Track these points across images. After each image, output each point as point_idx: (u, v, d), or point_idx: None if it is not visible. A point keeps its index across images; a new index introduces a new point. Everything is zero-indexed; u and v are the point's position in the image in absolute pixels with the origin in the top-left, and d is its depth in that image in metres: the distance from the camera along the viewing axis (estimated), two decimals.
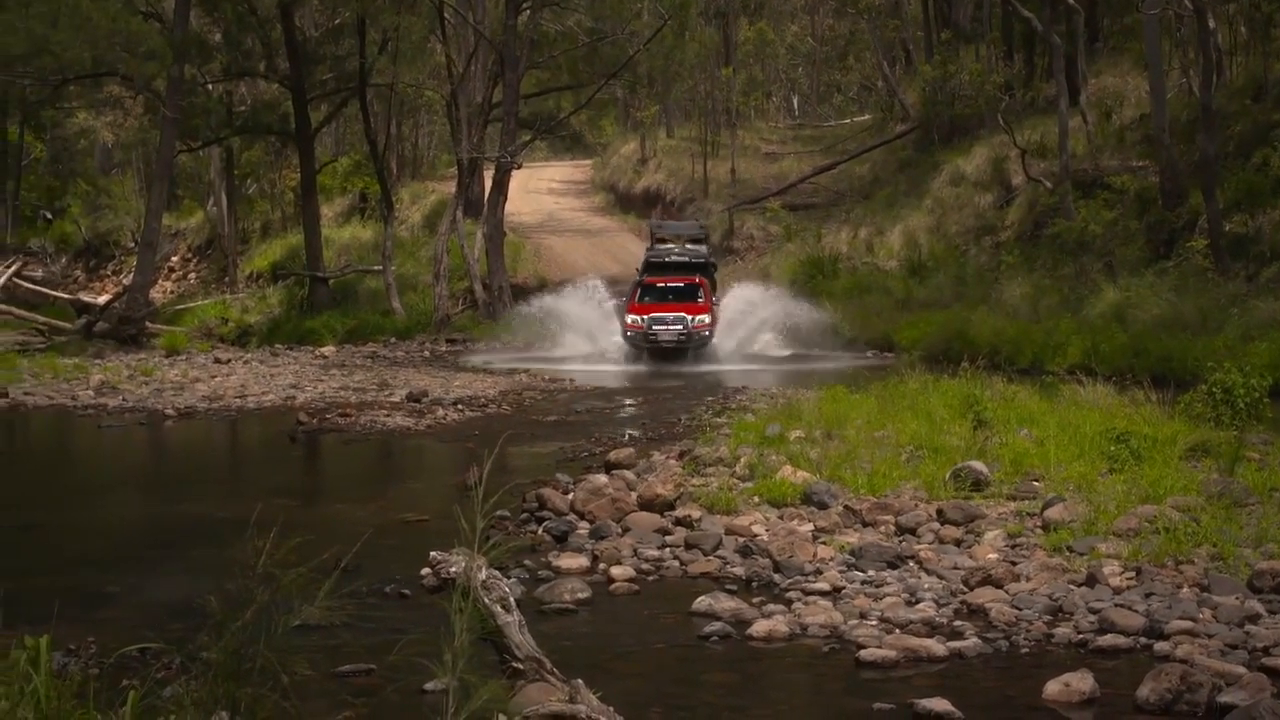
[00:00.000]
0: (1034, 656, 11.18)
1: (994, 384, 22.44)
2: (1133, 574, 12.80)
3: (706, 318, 38.85)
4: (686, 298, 39.28)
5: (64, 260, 63.66)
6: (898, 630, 11.73)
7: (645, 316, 38.61)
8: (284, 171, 58.20)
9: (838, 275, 45.83)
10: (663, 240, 43.40)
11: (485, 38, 49.40)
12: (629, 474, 17.89)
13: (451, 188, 50.69)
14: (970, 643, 11.32)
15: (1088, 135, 43.50)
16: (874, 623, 11.99)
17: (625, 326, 39.34)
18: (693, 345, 38.48)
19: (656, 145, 62.48)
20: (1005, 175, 46.39)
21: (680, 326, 38.32)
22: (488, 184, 49.15)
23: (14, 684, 6.15)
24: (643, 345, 38.59)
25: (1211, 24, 37.33)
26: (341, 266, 50.84)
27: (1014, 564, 13.42)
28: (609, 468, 18.68)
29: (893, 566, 13.78)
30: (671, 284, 39.79)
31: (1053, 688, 10.04)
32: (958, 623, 11.95)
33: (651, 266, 41.42)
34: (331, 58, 49.65)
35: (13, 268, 47.80)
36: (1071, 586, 12.59)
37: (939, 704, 9.69)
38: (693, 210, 54.71)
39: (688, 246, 42.59)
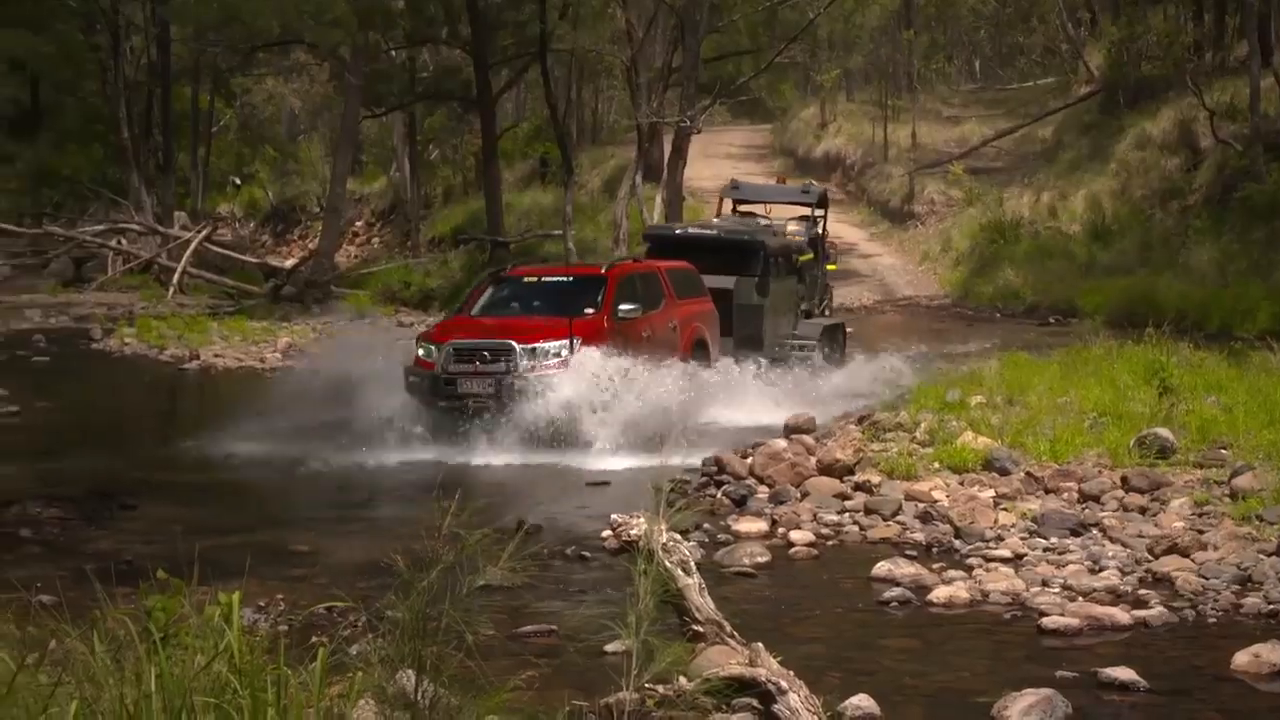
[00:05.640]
0: (1222, 627, 11.03)
1: (1180, 350, 22.06)
2: None
3: (563, 348, 19.85)
4: (561, 308, 20.81)
5: (252, 225, 64.85)
6: (1081, 598, 11.63)
7: (444, 347, 20.18)
8: (465, 137, 58.67)
9: (1019, 240, 45.26)
10: (745, 211, 30.17)
11: (665, 2, 49.37)
12: (808, 439, 17.84)
13: (631, 152, 50.74)
14: (1155, 612, 11.18)
15: None
16: (1056, 590, 11.89)
17: (414, 365, 20.64)
18: (510, 399, 19.48)
19: (836, 109, 62.12)
20: (1193, 138, 45.43)
21: (502, 366, 19.78)
22: (667, 149, 49.15)
23: (209, 639, 6.30)
24: (433, 403, 20.12)
25: None
26: (522, 231, 51.13)
27: (1201, 532, 13.23)
28: (788, 432, 18.64)
29: (1075, 534, 13.65)
30: (550, 279, 22.63)
31: (1241, 659, 9.90)
32: (1142, 591, 11.82)
33: (654, 251, 25.77)
34: (513, 23, 49.88)
35: (203, 233, 48.70)
36: (1261, 556, 12.37)
37: (1123, 673, 9.59)
38: (872, 173, 54.32)
39: (764, 220, 28.65)
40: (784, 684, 7.96)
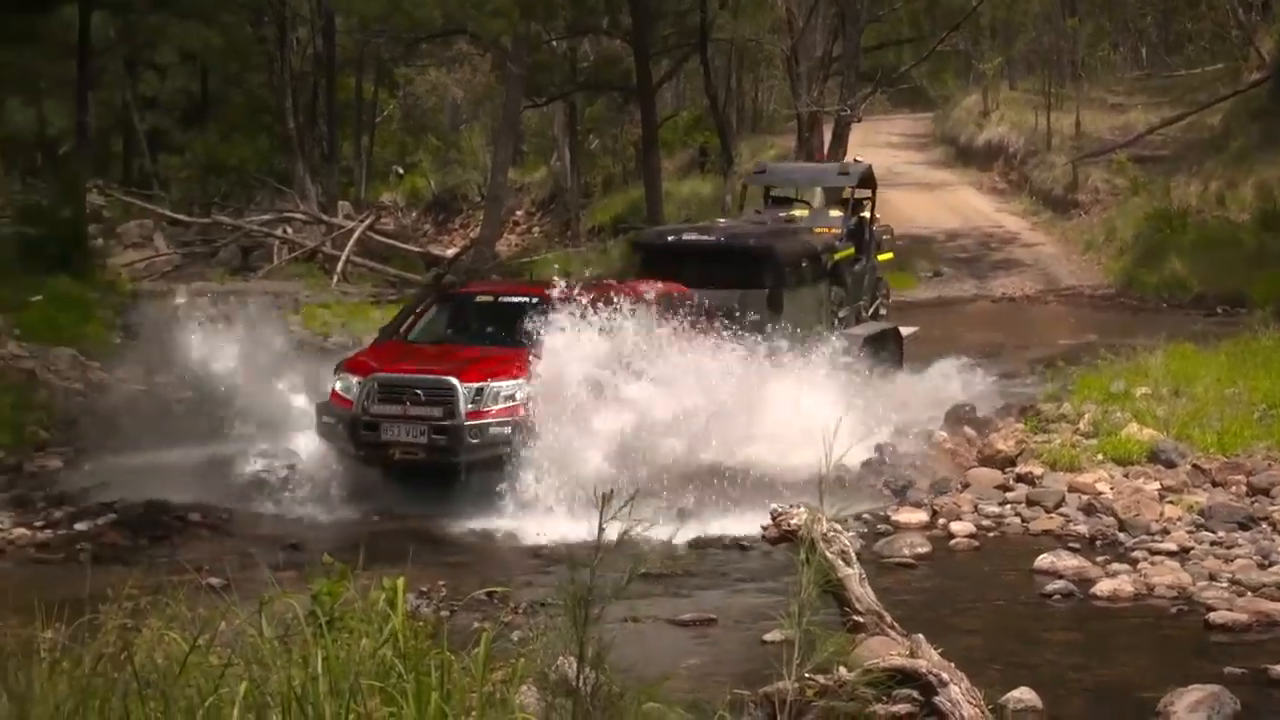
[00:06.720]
0: None
1: None
2: None
3: (518, 388, 15.67)
4: (520, 337, 15.95)
5: (414, 214, 65.41)
6: (1250, 593, 11.46)
7: (367, 381, 15.94)
8: (625, 126, 58.84)
9: (1186, 229, 44.52)
10: (778, 197, 25.60)
11: None
12: (969, 430, 17.70)
13: (791, 141, 50.65)
14: None
15: None
16: (1224, 585, 11.73)
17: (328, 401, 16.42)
18: (462, 458, 15.54)
19: (998, 97, 61.51)
20: None
21: (439, 412, 15.60)
22: (827, 137, 48.98)
23: (373, 623, 6.39)
24: (351, 452, 16.04)
25: None
26: (682, 220, 51.20)
27: None
28: (949, 422, 18.48)
29: (1244, 528, 13.44)
30: (509, 299, 17.68)
31: None
32: None
33: (645, 263, 21.15)
34: (673, 13, 49.92)
35: (367, 222, 49.26)
36: None
37: None
38: (1035, 162, 53.70)
39: (790, 212, 24.04)
40: (945, 676, 7.93)
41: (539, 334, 15.65)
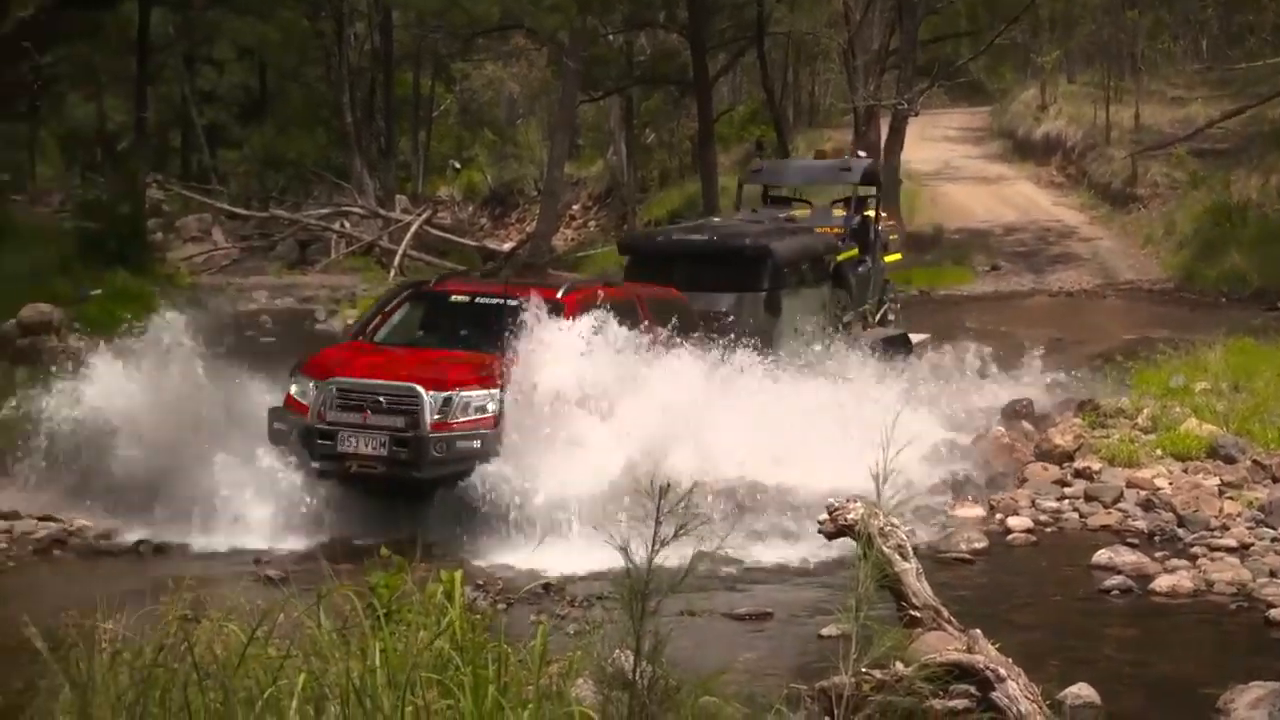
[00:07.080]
0: None
1: None
2: None
3: (490, 399, 14.32)
4: (497, 341, 14.46)
5: (471, 208, 65.60)
6: None
7: (324, 385, 14.57)
8: (682, 120, 58.84)
9: (1246, 223, 44.19)
10: (777, 197, 24.05)
11: None
12: (1026, 424, 17.62)
13: (847, 135, 50.52)
14: None
15: None
16: None
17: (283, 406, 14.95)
18: (425, 474, 14.11)
19: (1056, 91, 61.24)
20: None
21: (401, 423, 14.18)
22: (884, 131, 48.87)
23: (431, 615, 6.41)
24: (307, 460, 14.30)
25: None
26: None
27: None
28: (1007, 417, 18.41)
29: None
30: (486, 300, 15.90)
31: None
32: None
33: (634, 265, 20.03)
34: (730, 6, 49.93)
35: (424, 216, 49.43)
36: None
37: None
38: (1093, 155, 53.39)
39: (790, 211, 23.06)
40: (1002, 671, 7.90)
41: (517, 338, 14.28)
